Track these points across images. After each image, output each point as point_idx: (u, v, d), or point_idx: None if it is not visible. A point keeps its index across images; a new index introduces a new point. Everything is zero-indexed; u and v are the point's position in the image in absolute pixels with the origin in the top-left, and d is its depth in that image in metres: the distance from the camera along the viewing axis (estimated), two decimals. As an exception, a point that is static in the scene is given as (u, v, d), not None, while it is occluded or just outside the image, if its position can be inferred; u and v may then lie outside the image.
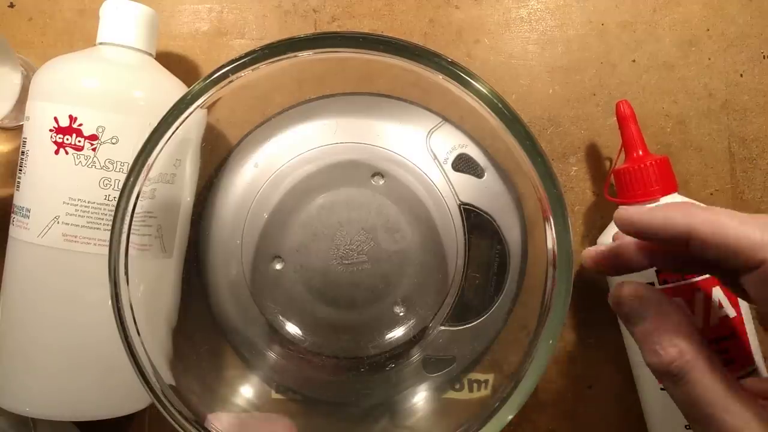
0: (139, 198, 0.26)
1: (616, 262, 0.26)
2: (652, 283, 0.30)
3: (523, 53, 0.37)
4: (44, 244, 0.30)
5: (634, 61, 0.37)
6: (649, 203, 0.31)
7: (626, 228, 0.24)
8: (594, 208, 0.36)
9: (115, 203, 0.27)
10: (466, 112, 0.29)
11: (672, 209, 0.22)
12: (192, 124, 0.28)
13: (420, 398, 0.33)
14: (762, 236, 0.20)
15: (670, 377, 0.22)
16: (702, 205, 0.24)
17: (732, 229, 0.21)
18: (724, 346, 0.29)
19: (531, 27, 0.37)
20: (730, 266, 0.21)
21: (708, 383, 0.21)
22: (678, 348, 0.22)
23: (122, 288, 0.26)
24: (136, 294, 0.27)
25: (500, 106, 0.25)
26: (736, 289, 0.25)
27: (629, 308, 0.24)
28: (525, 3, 0.37)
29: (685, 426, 0.30)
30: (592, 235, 0.36)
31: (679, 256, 0.24)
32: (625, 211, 0.24)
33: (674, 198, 0.32)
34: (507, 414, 0.25)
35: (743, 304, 0.30)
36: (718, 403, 0.21)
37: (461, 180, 0.33)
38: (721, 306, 0.29)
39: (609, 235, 0.33)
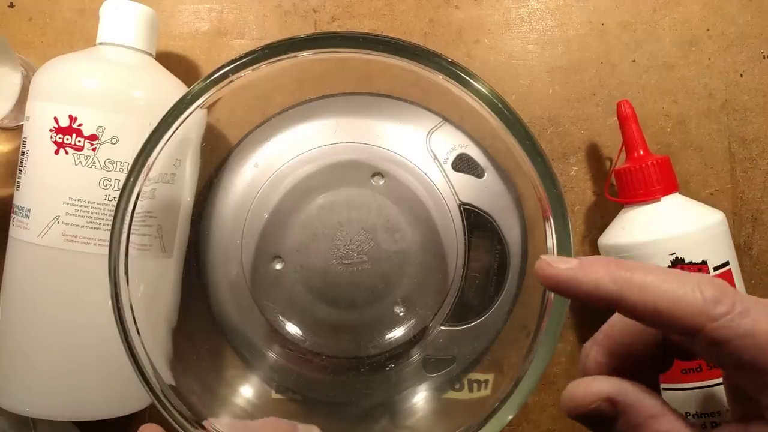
0: (139, 198, 0.26)
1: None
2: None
3: (523, 53, 0.37)
4: (44, 244, 0.30)
5: (634, 61, 0.37)
6: (651, 203, 0.31)
7: (550, 286, 0.21)
8: (594, 208, 0.36)
9: (115, 203, 0.27)
10: (466, 112, 0.29)
11: (600, 272, 0.19)
12: (192, 124, 0.28)
13: (420, 398, 0.33)
14: (695, 302, 0.18)
15: None
16: (635, 264, 0.20)
17: (663, 298, 0.18)
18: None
19: (531, 27, 0.37)
20: (667, 333, 0.20)
21: None
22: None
23: (122, 288, 0.26)
24: (136, 294, 0.27)
25: (500, 106, 0.25)
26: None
27: (588, 415, 0.20)
28: (525, 3, 0.37)
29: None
30: (592, 235, 0.36)
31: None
32: (549, 266, 0.20)
33: (675, 198, 0.32)
34: (507, 414, 0.25)
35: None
36: None
37: (461, 180, 0.33)
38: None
39: (609, 236, 0.33)
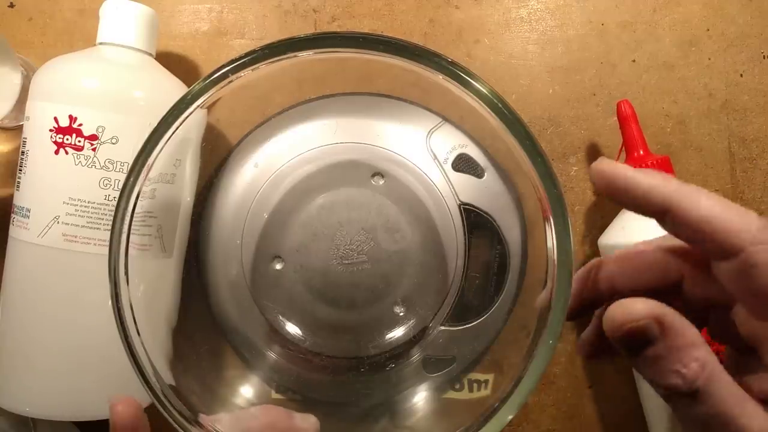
0: (139, 198, 0.26)
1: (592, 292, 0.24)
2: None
3: (523, 53, 0.37)
4: (44, 244, 0.30)
5: (634, 61, 0.36)
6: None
7: (605, 184, 0.21)
8: (594, 208, 0.36)
9: (115, 203, 0.27)
10: (466, 112, 0.29)
11: (656, 179, 0.20)
12: (192, 124, 0.28)
13: (420, 398, 0.33)
14: (741, 222, 0.19)
15: (692, 396, 0.19)
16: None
17: (713, 211, 0.19)
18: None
19: (531, 27, 0.37)
20: (704, 249, 0.20)
21: (727, 392, 0.19)
22: (700, 361, 0.19)
23: (122, 288, 0.26)
24: (136, 294, 0.27)
25: (500, 106, 0.25)
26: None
27: (643, 332, 0.20)
28: (525, 3, 0.37)
29: (685, 426, 0.30)
30: (592, 235, 0.36)
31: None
32: (607, 166, 0.21)
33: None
34: (507, 414, 0.25)
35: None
36: (738, 411, 0.19)
37: (461, 180, 0.33)
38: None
39: (609, 236, 0.33)
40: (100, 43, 0.32)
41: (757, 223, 0.19)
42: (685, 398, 0.20)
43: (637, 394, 0.33)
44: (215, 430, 0.26)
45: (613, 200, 0.22)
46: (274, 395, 0.34)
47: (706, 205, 0.20)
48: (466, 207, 0.33)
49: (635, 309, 0.19)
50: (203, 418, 0.26)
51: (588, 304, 0.24)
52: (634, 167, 0.31)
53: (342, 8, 0.38)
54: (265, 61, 0.26)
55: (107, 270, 0.26)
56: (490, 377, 0.32)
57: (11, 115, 0.35)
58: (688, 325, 0.20)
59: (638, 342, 0.20)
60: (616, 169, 0.21)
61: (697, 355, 0.19)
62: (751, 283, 0.19)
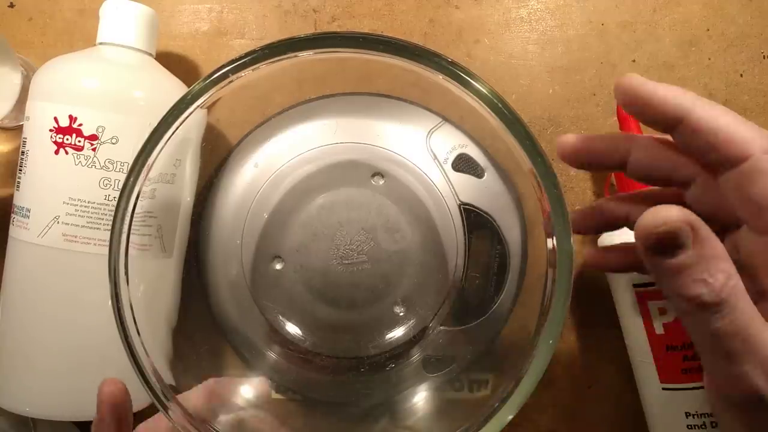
0: (139, 198, 0.26)
1: (599, 219, 0.27)
2: (654, 283, 0.30)
3: (523, 53, 0.37)
4: (44, 244, 0.30)
5: (634, 61, 0.36)
6: (649, 203, 0.31)
7: (629, 94, 0.23)
8: (594, 208, 0.36)
9: (115, 203, 0.27)
10: (466, 112, 0.29)
11: (672, 90, 0.22)
12: (192, 124, 0.28)
13: (420, 398, 0.33)
14: (752, 134, 0.20)
15: (713, 309, 0.19)
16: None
17: (725, 121, 0.21)
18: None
19: (531, 27, 0.37)
20: (715, 159, 0.21)
21: (749, 308, 0.19)
22: (726, 273, 0.19)
23: (122, 288, 0.26)
24: (136, 294, 0.27)
25: (500, 106, 0.25)
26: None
27: (675, 236, 0.19)
28: (525, 3, 0.37)
29: (687, 426, 0.30)
30: (592, 235, 0.36)
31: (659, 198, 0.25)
32: (630, 78, 0.23)
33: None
34: (507, 414, 0.25)
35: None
36: (759, 327, 0.19)
37: (461, 180, 0.33)
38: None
39: (609, 237, 0.33)
40: (100, 43, 0.32)
41: (760, 133, 0.20)
42: (706, 312, 0.19)
43: (637, 394, 0.33)
44: (215, 430, 0.27)
45: (631, 112, 0.23)
46: (274, 395, 0.34)
47: (719, 114, 0.21)
48: (466, 207, 0.33)
49: (671, 213, 0.19)
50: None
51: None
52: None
53: (342, 8, 0.38)
54: (265, 61, 0.26)
55: (107, 270, 0.26)
56: (490, 377, 0.32)
57: (11, 115, 0.35)
58: (715, 238, 0.20)
59: (669, 246, 0.19)
60: (636, 80, 0.23)
61: (723, 267, 0.20)
62: (756, 189, 0.20)
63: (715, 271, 0.19)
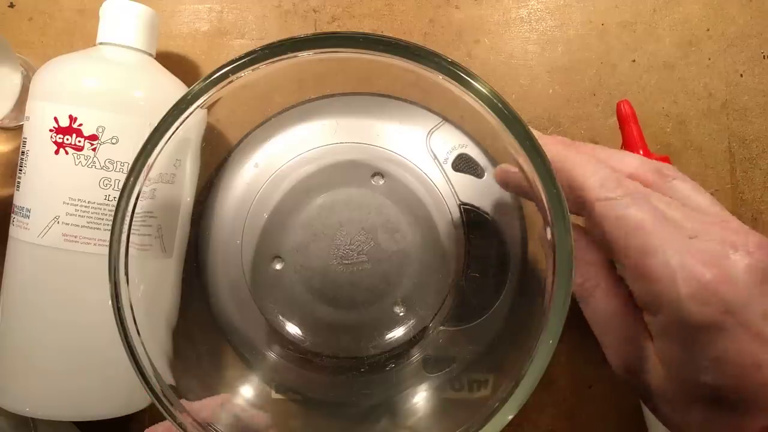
0: (139, 198, 0.26)
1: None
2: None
3: (523, 53, 0.37)
4: (44, 244, 0.30)
5: (634, 61, 0.37)
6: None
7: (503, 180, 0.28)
8: (594, 208, 0.36)
9: (115, 203, 0.27)
10: (466, 112, 0.29)
11: (546, 140, 0.24)
12: (192, 124, 0.28)
13: (420, 398, 0.33)
14: (591, 179, 0.23)
15: (578, 298, 0.25)
16: (579, 144, 0.26)
17: (571, 168, 0.24)
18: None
19: (531, 27, 0.37)
20: (575, 209, 0.24)
21: (603, 302, 0.24)
22: (582, 277, 0.25)
23: (122, 288, 0.26)
24: (136, 294, 0.27)
25: (500, 106, 0.25)
26: None
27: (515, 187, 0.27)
28: (525, 3, 0.37)
29: (685, 426, 0.30)
30: (592, 235, 0.36)
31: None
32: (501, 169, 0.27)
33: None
34: (507, 414, 0.25)
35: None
36: (604, 318, 0.24)
37: (461, 180, 0.33)
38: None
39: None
40: (100, 43, 0.32)
41: (602, 180, 0.23)
42: (578, 301, 0.26)
43: (637, 394, 0.33)
44: (216, 430, 0.26)
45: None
46: (274, 395, 0.34)
47: (566, 165, 0.24)
48: (466, 207, 0.33)
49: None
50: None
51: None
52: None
53: (342, 8, 0.38)
54: (265, 61, 0.26)
55: (107, 270, 0.26)
56: (490, 377, 0.32)
57: (11, 115, 0.35)
58: (585, 250, 0.25)
59: None
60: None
61: (582, 272, 0.25)
62: (597, 232, 0.23)
63: (578, 274, 0.25)
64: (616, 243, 0.22)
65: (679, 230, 0.21)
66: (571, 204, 0.23)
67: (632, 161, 0.25)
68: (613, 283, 0.24)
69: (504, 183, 0.29)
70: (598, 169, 0.23)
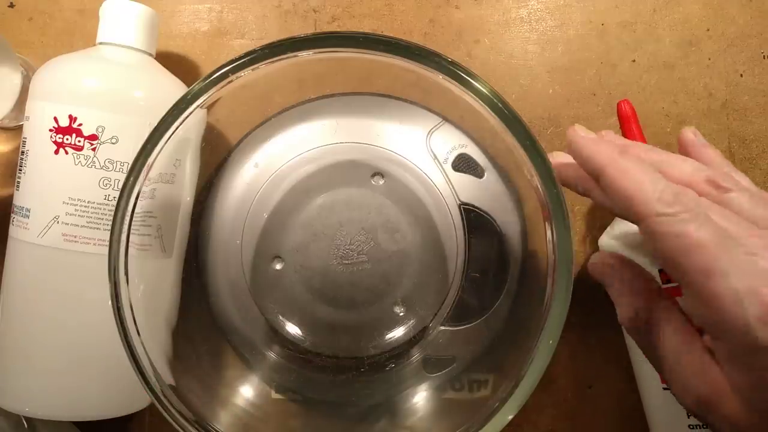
0: (139, 198, 0.26)
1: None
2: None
3: (523, 53, 0.37)
4: (44, 244, 0.30)
5: (634, 61, 0.37)
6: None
7: (568, 149, 0.26)
8: (594, 208, 0.36)
9: (115, 203, 0.27)
10: (466, 112, 0.29)
11: (594, 146, 0.24)
12: (192, 124, 0.28)
13: (420, 398, 0.33)
14: (648, 192, 0.21)
15: (631, 334, 0.25)
16: (634, 148, 0.26)
17: (629, 181, 0.22)
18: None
19: (531, 27, 0.37)
20: (623, 215, 0.23)
21: (661, 335, 0.23)
22: (632, 309, 0.24)
23: (122, 288, 0.26)
24: (136, 294, 0.27)
25: (500, 106, 0.25)
26: None
27: (599, 274, 0.26)
28: (525, 3, 0.37)
29: (688, 426, 0.30)
30: (592, 235, 0.36)
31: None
32: (574, 133, 0.25)
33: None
34: (507, 414, 0.25)
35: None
36: (666, 352, 0.23)
37: (461, 180, 0.33)
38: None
39: (609, 236, 0.33)
40: (100, 43, 0.32)
41: (659, 193, 0.21)
42: (630, 332, 0.25)
43: (638, 393, 0.33)
44: (215, 429, 0.26)
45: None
46: (274, 395, 0.34)
47: (626, 174, 0.22)
48: (466, 207, 0.33)
49: (594, 259, 0.27)
50: None
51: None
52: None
53: (342, 8, 0.38)
54: (265, 61, 0.26)
55: (107, 270, 0.26)
56: (490, 377, 0.32)
57: (11, 115, 0.35)
58: (636, 277, 0.25)
59: (603, 281, 0.26)
60: (574, 134, 0.25)
61: (633, 302, 0.24)
62: (653, 247, 0.22)
63: (626, 306, 0.24)
64: (674, 262, 0.21)
65: (740, 248, 0.20)
66: (625, 215, 0.23)
67: (686, 167, 0.24)
68: (669, 310, 0.23)
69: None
70: (654, 180, 0.22)
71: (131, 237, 0.27)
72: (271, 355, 0.34)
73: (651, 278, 0.25)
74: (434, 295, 0.33)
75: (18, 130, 0.37)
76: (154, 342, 0.27)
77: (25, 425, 0.33)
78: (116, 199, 0.26)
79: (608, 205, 0.25)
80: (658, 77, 0.36)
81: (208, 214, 0.34)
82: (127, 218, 0.26)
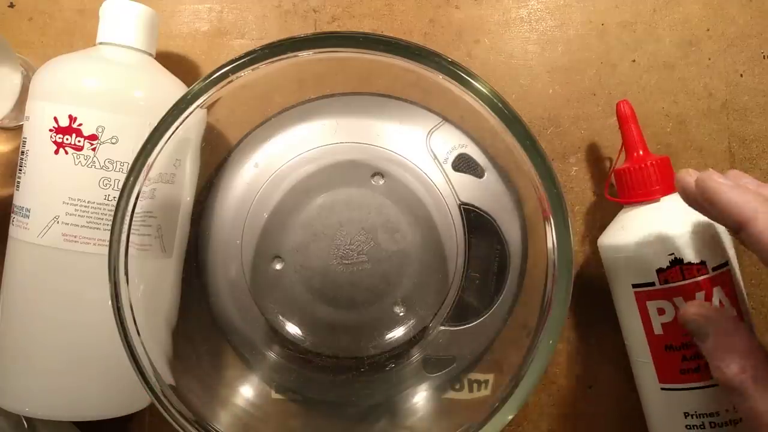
0: (139, 198, 0.27)
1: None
2: (652, 283, 0.30)
3: (523, 53, 0.37)
4: (44, 244, 0.30)
5: (634, 61, 0.37)
6: (650, 203, 0.31)
7: (699, 193, 0.24)
8: (594, 208, 0.36)
9: (115, 203, 0.27)
10: (466, 112, 0.29)
11: (735, 195, 0.23)
12: (192, 124, 0.28)
13: (420, 398, 0.33)
14: None
15: (732, 392, 0.23)
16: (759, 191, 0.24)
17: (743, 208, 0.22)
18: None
19: (531, 27, 0.37)
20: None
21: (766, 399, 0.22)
22: (740, 365, 0.23)
23: (122, 288, 0.26)
24: (136, 294, 0.27)
25: (500, 105, 0.25)
26: None
27: (695, 326, 0.25)
28: (525, 3, 0.37)
29: (686, 426, 0.30)
30: (592, 235, 0.36)
31: None
32: (708, 178, 0.24)
33: (675, 198, 0.32)
34: (507, 414, 0.25)
35: (745, 304, 0.30)
36: None
37: (461, 180, 0.33)
38: (722, 305, 0.29)
39: (609, 236, 0.33)
40: (100, 43, 0.32)
41: None
42: (730, 393, 0.23)
43: (637, 393, 0.33)
44: (215, 429, 0.27)
45: (695, 208, 0.25)
46: (274, 395, 0.34)
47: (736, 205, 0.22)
48: (466, 207, 0.33)
49: (691, 310, 0.26)
50: None
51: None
52: (635, 167, 0.31)
53: (342, 8, 0.38)
54: (265, 61, 0.26)
55: (107, 270, 0.26)
56: (490, 377, 0.32)
57: (11, 115, 0.35)
58: (738, 333, 0.24)
59: (697, 335, 0.25)
60: (709, 180, 0.24)
61: (738, 360, 0.23)
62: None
63: (729, 362, 0.23)
64: None
65: None
66: (745, 242, 0.22)
67: None
68: None
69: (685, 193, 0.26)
70: None
71: (131, 237, 0.27)
72: (271, 355, 0.34)
73: (752, 331, 0.24)
74: (434, 295, 0.33)
75: (18, 130, 0.37)
76: (154, 342, 0.27)
77: (25, 425, 0.33)
78: (116, 199, 0.26)
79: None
80: (658, 77, 0.36)
81: (208, 214, 0.34)
82: (127, 218, 0.26)
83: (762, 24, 0.36)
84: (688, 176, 0.25)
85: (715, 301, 0.29)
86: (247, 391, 0.34)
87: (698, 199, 0.25)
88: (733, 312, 0.29)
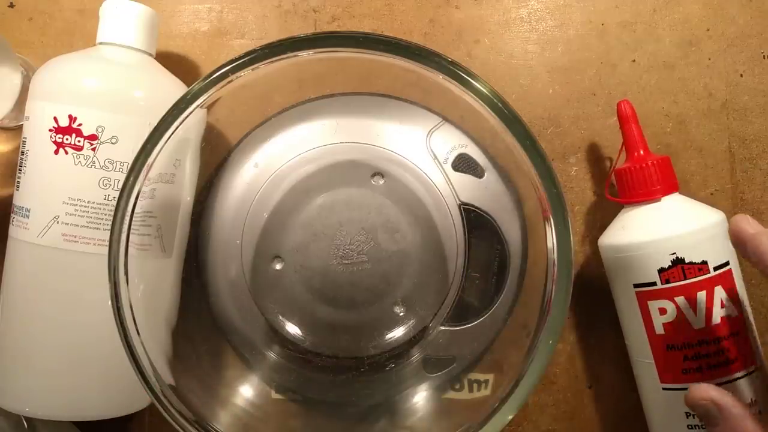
0: (139, 198, 0.26)
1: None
2: (654, 283, 0.30)
3: (523, 53, 0.37)
4: (44, 244, 0.30)
5: (634, 61, 0.37)
6: (651, 203, 0.31)
7: (733, 240, 0.26)
8: (594, 208, 0.36)
9: (114, 203, 0.27)
10: (466, 112, 0.29)
11: None
12: (192, 124, 0.28)
13: (420, 398, 0.33)
14: None
15: None
16: None
17: None
18: (725, 345, 0.29)
19: (531, 27, 0.37)
20: None
21: None
22: None
23: (122, 288, 0.26)
24: (136, 294, 0.27)
25: (500, 105, 0.25)
26: None
27: (702, 410, 0.26)
28: (525, 3, 0.37)
29: (687, 426, 0.30)
30: (592, 235, 0.36)
31: None
32: (738, 224, 0.26)
33: (675, 198, 0.32)
34: (507, 414, 0.25)
35: (745, 303, 0.30)
36: None
37: (461, 180, 0.33)
38: (723, 305, 0.29)
39: (609, 236, 0.33)
40: (100, 43, 0.32)
41: None
42: None
43: (637, 393, 0.33)
44: (215, 429, 0.26)
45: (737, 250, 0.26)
46: (274, 395, 0.34)
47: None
48: (466, 207, 0.33)
49: (700, 394, 0.26)
50: None
51: None
52: (635, 167, 0.31)
53: (342, 8, 0.38)
54: (265, 61, 0.26)
55: (107, 270, 0.26)
56: (490, 377, 0.32)
57: (11, 115, 0.35)
58: (743, 419, 0.25)
59: (707, 419, 0.25)
60: (744, 230, 0.25)
61: None
62: None
63: None
64: None
65: None
66: None
67: None
68: None
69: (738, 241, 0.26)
70: None
71: (131, 237, 0.27)
72: (271, 355, 0.34)
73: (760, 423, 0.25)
74: (434, 295, 0.33)
75: (18, 130, 0.37)
76: (154, 342, 0.27)
77: (25, 425, 0.33)
78: (116, 199, 0.26)
79: None
80: (658, 77, 0.36)
81: (208, 214, 0.34)
82: (127, 218, 0.26)
83: (762, 24, 0.36)
84: (748, 226, 0.26)
85: (716, 300, 0.29)
86: (247, 391, 0.34)
87: (750, 257, 0.26)
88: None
